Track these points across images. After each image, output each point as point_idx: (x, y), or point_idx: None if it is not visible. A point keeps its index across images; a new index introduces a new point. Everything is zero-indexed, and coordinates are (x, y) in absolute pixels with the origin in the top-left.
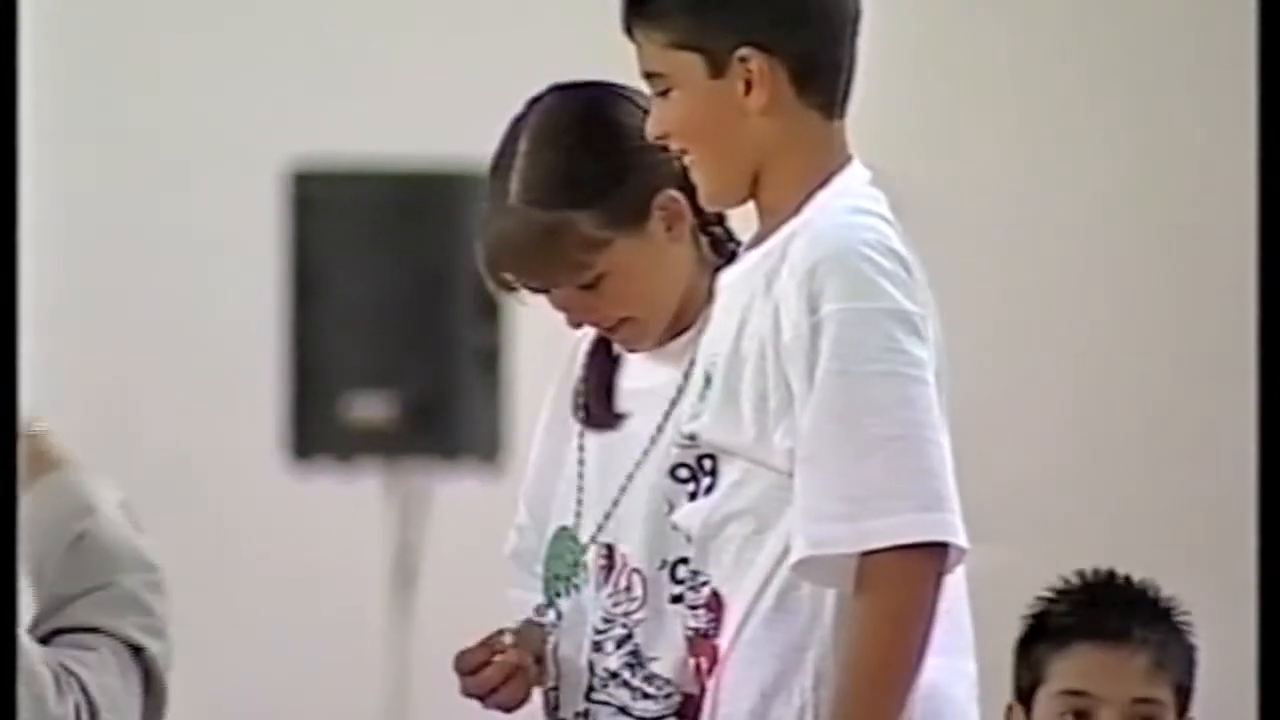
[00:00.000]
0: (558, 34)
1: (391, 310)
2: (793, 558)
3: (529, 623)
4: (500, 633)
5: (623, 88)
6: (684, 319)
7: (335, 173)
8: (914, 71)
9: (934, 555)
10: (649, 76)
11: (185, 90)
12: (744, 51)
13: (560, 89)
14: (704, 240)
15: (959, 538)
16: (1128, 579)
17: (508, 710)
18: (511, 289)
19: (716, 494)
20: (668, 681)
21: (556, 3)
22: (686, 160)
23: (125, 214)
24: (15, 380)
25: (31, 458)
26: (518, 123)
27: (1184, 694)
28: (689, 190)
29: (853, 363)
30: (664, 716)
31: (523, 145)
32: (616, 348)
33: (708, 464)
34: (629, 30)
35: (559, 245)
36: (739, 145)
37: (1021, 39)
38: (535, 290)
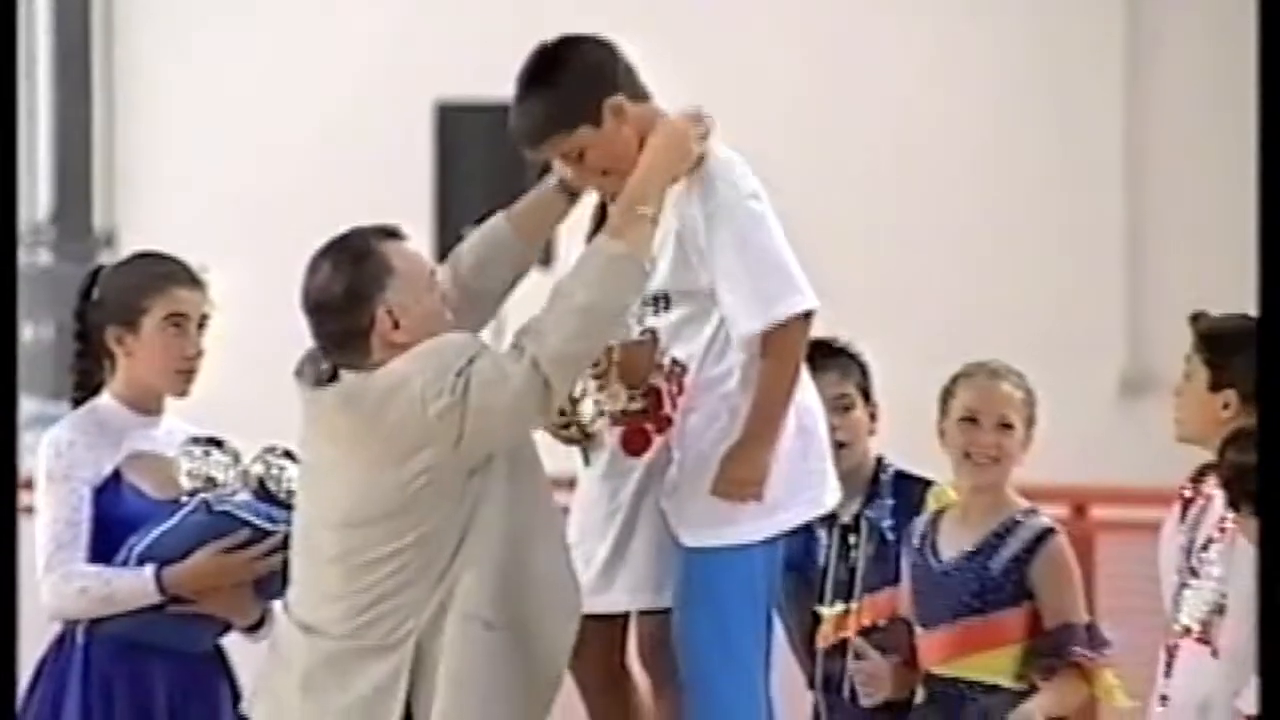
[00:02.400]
0: None
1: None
2: (734, 342)
3: None
4: None
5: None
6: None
7: (475, 106)
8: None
9: (802, 321)
10: (562, 157)
11: (355, 37)
12: (608, 101)
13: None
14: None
15: (813, 302)
16: (833, 341)
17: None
18: (538, 160)
19: (674, 312)
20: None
21: None
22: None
23: (304, 138)
24: (14, 380)
25: None
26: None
27: (864, 390)
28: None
29: (733, 227)
30: (637, 396)
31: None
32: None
33: (663, 299)
34: (532, 151)
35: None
36: (630, 146)
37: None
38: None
